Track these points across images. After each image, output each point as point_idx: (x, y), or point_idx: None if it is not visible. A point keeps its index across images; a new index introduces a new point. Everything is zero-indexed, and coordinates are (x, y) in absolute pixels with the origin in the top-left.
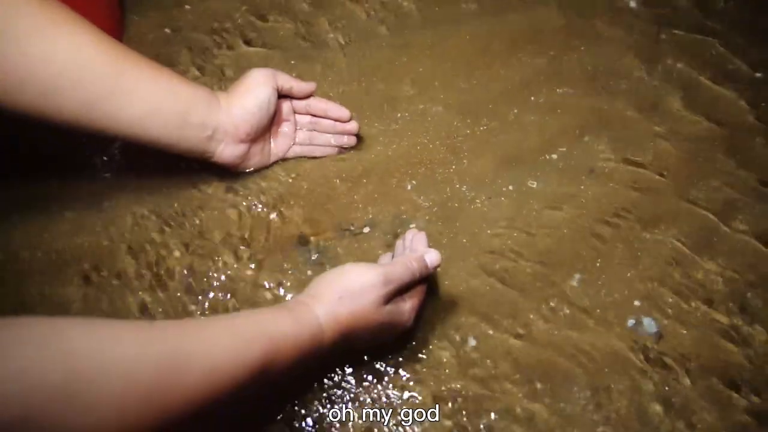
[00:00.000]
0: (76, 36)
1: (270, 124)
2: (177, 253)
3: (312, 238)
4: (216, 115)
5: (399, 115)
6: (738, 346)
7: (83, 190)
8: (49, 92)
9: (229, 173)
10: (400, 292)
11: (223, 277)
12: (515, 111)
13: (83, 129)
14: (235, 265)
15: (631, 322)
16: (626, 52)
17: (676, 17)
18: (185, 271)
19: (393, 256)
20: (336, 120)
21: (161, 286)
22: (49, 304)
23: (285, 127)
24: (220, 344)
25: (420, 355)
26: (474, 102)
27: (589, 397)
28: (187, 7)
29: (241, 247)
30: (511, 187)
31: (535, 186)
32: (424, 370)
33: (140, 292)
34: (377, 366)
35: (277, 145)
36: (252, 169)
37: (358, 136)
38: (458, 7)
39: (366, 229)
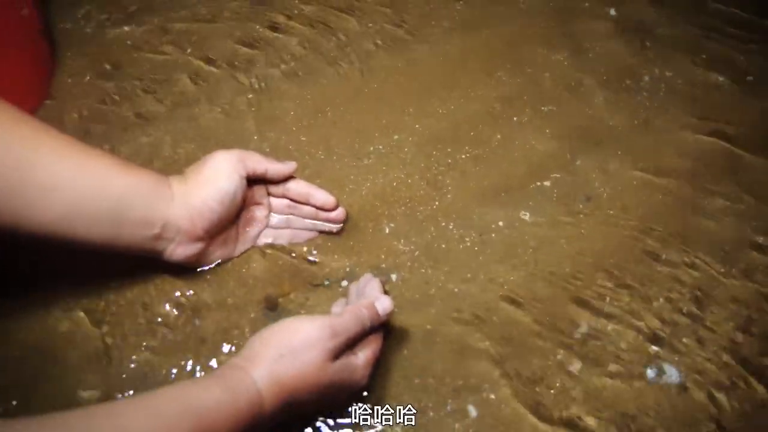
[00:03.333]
0: None
1: (236, 215)
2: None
3: (280, 300)
4: (165, 209)
5: (371, 148)
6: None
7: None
8: None
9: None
10: (350, 345)
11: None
12: (498, 136)
13: None
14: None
15: (651, 372)
16: (611, 63)
17: (660, 25)
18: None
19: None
20: (320, 208)
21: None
22: None
23: (256, 211)
24: (139, 428)
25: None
26: (453, 128)
27: None
28: (129, 42)
29: (196, 321)
30: (501, 223)
31: (528, 218)
32: None
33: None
34: None
35: (246, 233)
36: (212, 264)
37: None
38: (429, 25)
39: (344, 282)
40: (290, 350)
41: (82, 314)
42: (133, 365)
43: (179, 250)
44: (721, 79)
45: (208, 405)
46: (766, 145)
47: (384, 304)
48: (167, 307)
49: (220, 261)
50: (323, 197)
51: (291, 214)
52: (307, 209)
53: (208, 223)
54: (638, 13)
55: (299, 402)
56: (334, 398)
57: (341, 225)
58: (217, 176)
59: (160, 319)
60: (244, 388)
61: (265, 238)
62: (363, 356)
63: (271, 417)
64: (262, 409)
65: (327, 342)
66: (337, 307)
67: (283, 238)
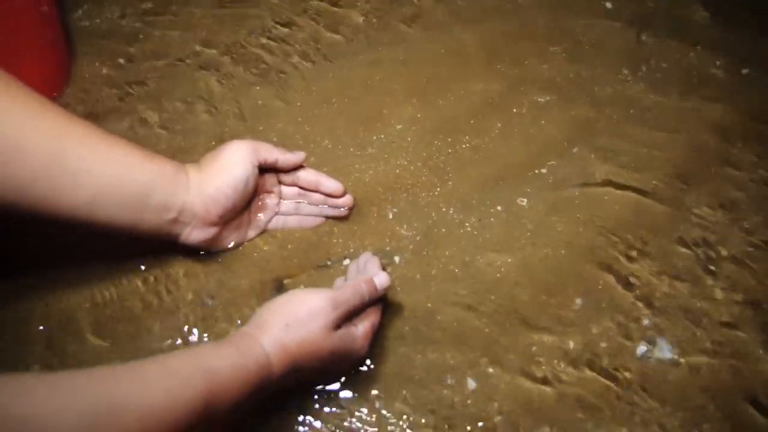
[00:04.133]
0: (6, 108)
1: (249, 202)
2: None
3: (286, 281)
4: (183, 194)
5: (375, 137)
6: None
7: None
8: None
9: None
10: (350, 317)
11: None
12: (498, 125)
13: (18, 213)
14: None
15: (642, 348)
16: (608, 55)
17: (656, 16)
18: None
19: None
20: (328, 195)
21: None
22: None
23: (267, 199)
24: (154, 386)
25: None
26: (454, 118)
27: None
28: (141, 37)
29: (209, 301)
30: (500, 207)
31: (525, 204)
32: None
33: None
34: (331, 402)
35: (257, 219)
36: (226, 248)
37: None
38: (430, 18)
39: (346, 261)
40: (296, 319)
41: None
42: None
43: (194, 234)
44: (716, 71)
45: (220, 366)
46: (757, 136)
47: (381, 279)
48: (181, 286)
49: (232, 245)
50: (332, 185)
51: (301, 201)
52: (316, 196)
53: (222, 209)
54: (634, 6)
55: (303, 368)
56: (336, 366)
57: (347, 210)
58: (231, 165)
59: (172, 299)
60: (254, 353)
61: (276, 224)
62: (362, 327)
63: (278, 381)
64: (270, 373)
65: (329, 313)
66: (338, 283)
67: (292, 223)
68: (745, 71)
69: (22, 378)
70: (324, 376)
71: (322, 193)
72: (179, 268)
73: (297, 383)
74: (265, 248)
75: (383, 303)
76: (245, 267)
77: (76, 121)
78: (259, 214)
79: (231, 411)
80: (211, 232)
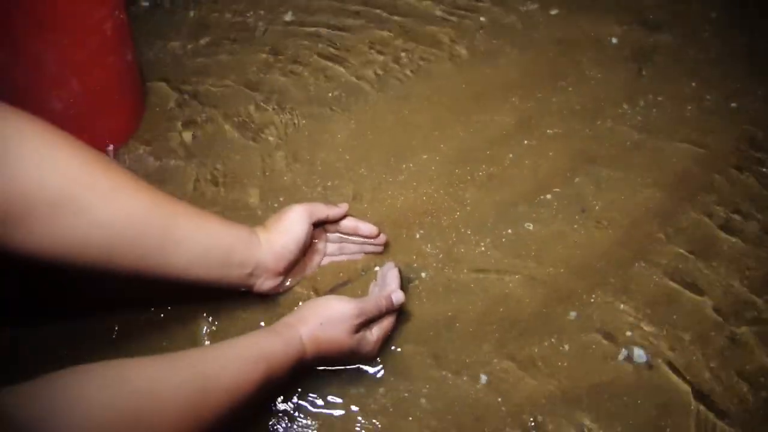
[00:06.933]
0: (133, 198)
1: (305, 252)
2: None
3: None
4: (257, 253)
5: (404, 166)
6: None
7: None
8: (104, 254)
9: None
10: (369, 323)
11: None
12: (511, 156)
13: (129, 278)
14: None
15: (623, 353)
16: (610, 89)
17: (657, 52)
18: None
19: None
20: (366, 237)
21: None
22: None
23: (318, 245)
24: (231, 367)
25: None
26: (472, 149)
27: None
28: (201, 71)
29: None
30: (510, 231)
31: (531, 227)
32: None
33: None
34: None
35: (311, 262)
36: (287, 290)
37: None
38: (452, 54)
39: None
40: (329, 320)
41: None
42: None
43: (267, 284)
44: (707, 104)
45: (274, 351)
46: (737, 164)
47: (397, 296)
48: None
49: (291, 285)
50: (368, 229)
51: (344, 241)
52: (355, 239)
53: (287, 263)
54: (637, 41)
55: (326, 357)
56: (349, 359)
57: (382, 247)
58: (293, 226)
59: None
60: (295, 343)
61: (325, 263)
62: (376, 334)
63: (308, 364)
64: (304, 359)
65: (354, 320)
66: (371, 286)
67: (338, 261)
68: (733, 105)
69: (126, 361)
70: (338, 364)
71: (360, 236)
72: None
73: (317, 365)
74: (318, 278)
75: (402, 314)
76: (307, 280)
77: (168, 195)
78: (313, 257)
79: (277, 387)
80: (278, 280)
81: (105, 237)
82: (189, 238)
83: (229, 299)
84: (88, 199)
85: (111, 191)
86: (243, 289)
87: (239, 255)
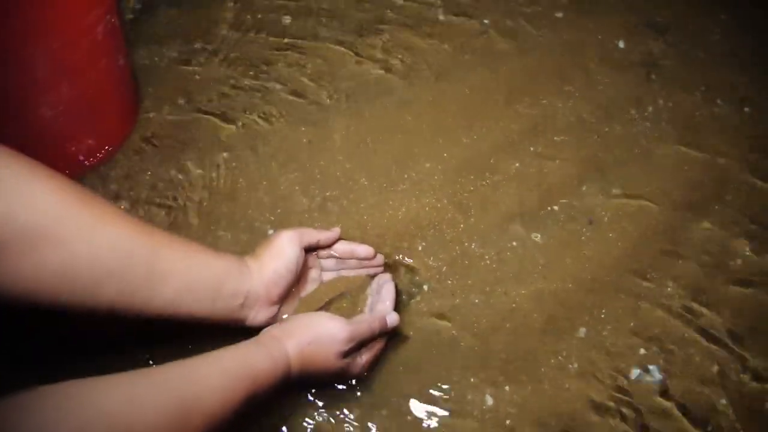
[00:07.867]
0: (115, 230)
1: (299, 280)
2: None
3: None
4: (248, 282)
5: (406, 175)
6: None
7: None
8: (88, 288)
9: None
10: (360, 346)
11: None
12: (516, 164)
13: (116, 316)
14: None
15: (636, 372)
16: (618, 95)
17: (665, 56)
18: None
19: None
20: (362, 259)
21: None
22: None
23: (312, 274)
24: (213, 384)
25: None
26: (476, 157)
27: None
28: (197, 77)
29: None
30: (515, 243)
31: (539, 239)
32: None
33: None
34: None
35: (305, 291)
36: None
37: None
38: (454, 60)
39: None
40: (318, 340)
41: None
42: None
43: (260, 315)
44: (719, 110)
45: (259, 367)
46: (756, 170)
47: (392, 318)
48: None
49: (286, 318)
50: (364, 251)
51: (341, 268)
52: (352, 262)
53: (280, 289)
54: (645, 45)
55: (311, 376)
56: (334, 380)
57: (381, 268)
58: (283, 250)
59: None
60: (281, 358)
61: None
62: (365, 357)
63: (291, 382)
64: (289, 376)
65: (343, 344)
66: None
67: None
68: (746, 110)
69: (97, 380)
70: (322, 384)
71: (356, 259)
72: None
73: (301, 384)
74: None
75: (402, 336)
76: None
77: (160, 231)
78: (306, 286)
79: (260, 403)
80: (273, 310)
81: (87, 270)
82: (176, 269)
83: None
84: (69, 232)
85: (92, 223)
86: (237, 324)
87: (230, 285)
